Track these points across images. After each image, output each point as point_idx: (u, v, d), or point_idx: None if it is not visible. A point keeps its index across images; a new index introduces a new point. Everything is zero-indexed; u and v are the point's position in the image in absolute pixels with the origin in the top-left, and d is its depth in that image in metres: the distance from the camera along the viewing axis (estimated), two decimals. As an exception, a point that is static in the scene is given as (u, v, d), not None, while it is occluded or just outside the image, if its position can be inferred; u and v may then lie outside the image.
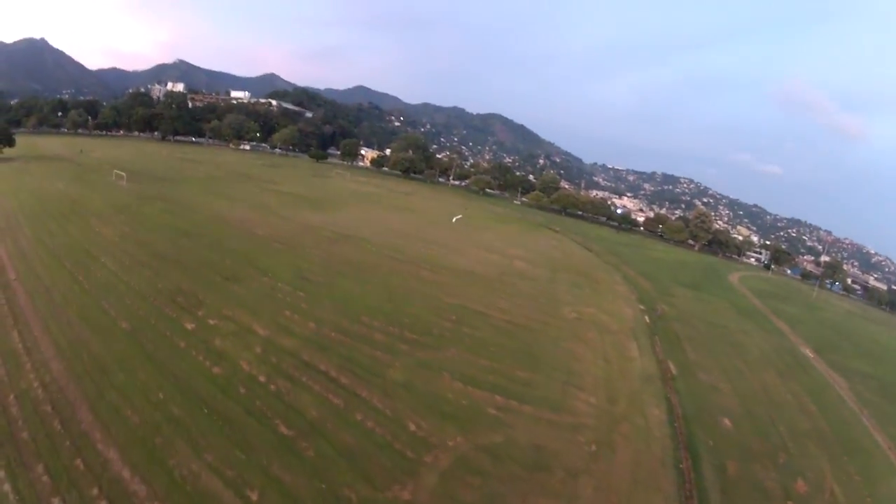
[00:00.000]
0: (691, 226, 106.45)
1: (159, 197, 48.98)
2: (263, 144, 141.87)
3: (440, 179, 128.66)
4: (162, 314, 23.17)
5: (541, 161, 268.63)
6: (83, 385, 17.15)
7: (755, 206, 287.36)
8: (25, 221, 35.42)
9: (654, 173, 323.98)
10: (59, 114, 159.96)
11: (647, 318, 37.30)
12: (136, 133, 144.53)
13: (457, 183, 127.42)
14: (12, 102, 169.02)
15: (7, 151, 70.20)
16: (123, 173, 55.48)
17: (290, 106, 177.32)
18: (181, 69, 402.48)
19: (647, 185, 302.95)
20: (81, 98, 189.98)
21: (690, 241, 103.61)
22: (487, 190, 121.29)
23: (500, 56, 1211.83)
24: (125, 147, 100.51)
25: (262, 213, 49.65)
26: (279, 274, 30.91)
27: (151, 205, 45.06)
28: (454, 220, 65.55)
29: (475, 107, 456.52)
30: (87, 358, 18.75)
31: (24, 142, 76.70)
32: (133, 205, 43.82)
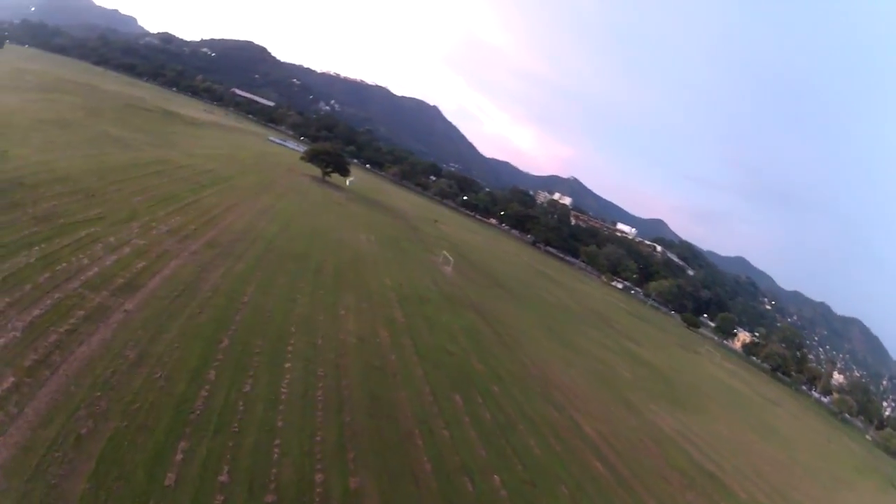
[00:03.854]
0: None
1: (477, 306, 57.08)
2: (637, 289, 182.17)
3: (803, 387, 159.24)
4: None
5: (884, 383, 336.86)
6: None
7: None
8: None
9: None
10: (431, 177, 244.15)
11: None
12: (506, 227, 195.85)
13: (819, 397, 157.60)
14: (382, 147, 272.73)
15: (338, 180, 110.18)
16: (451, 259, 68.04)
17: (674, 257, 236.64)
18: (572, 186, 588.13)
19: None
20: (461, 174, 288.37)
21: None
22: (846, 416, 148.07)
23: (872, 255, 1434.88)
24: (483, 235, 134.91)
25: (602, 386, 53.67)
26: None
27: (459, 311, 52.29)
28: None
29: (839, 304, 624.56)
30: None
31: (369, 182, 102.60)
32: (435, 299, 51.65)
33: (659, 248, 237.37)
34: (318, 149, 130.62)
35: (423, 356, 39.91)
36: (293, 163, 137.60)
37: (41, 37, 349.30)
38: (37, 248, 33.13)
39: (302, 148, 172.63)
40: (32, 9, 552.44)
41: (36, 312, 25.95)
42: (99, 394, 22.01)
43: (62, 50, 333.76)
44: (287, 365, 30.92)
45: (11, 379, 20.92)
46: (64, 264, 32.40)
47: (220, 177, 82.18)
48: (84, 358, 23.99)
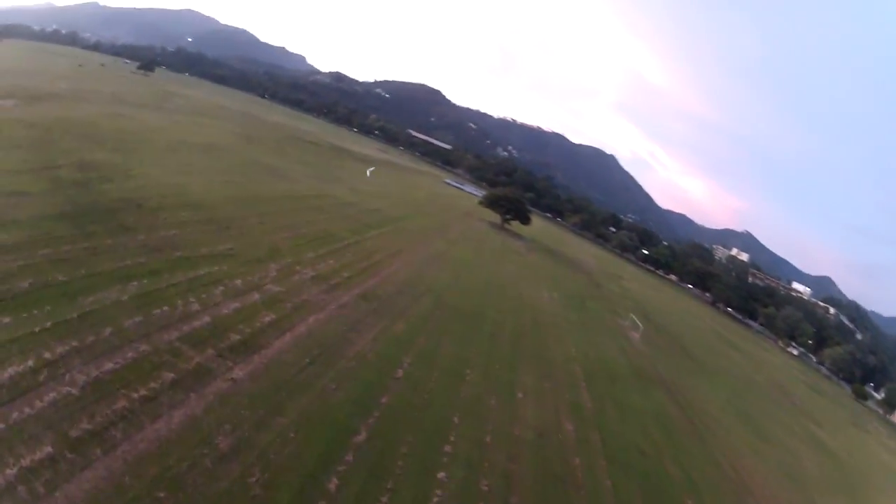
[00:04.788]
0: None
1: (668, 383, 60.49)
2: (810, 355, 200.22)
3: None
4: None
5: None
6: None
7: None
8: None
9: None
10: (611, 228, 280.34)
11: None
12: (685, 284, 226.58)
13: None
14: (561, 194, 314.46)
15: (518, 228, 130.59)
16: (640, 324, 75.15)
17: (845, 320, 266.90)
18: (745, 241, 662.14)
19: None
20: (640, 225, 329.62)
21: None
22: None
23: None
24: (664, 293, 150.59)
25: (791, 486, 52.81)
26: None
27: (650, 390, 54.96)
28: None
29: None
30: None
31: (549, 231, 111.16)
32: (624, 375, 55.35)
33: (832, 310, 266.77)
34: (498, 194, 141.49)
35: (611, 458, 37.39)
36: (470, 207, 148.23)
37: (200, 66, 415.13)
38: (135, 283, 31.57)
39: (479, 192, 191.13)
40: (189, 39, 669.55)
41: (107, 366, 23.69)
42: (162, 495, 18.44)
43: (223, 80, 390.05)
44: (440, 475, 26.51)
45: (49, 449, 18.45)
46: (165, 308, 30.27)
47: (388, 217, 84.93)
48: (155, 439, 20.94)
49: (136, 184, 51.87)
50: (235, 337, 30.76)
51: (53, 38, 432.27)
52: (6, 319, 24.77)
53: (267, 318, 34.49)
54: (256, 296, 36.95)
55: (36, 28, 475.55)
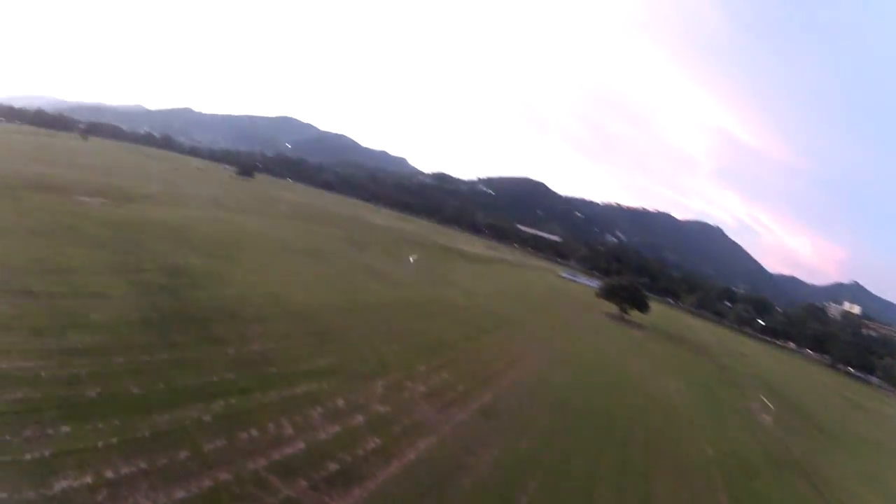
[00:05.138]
0: None
1: (806, 469, 59.27)
2: None
3: None
4: None
5: None
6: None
7: None
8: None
9: None
10: (726, 302, 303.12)
11: None
12: (803, 349, 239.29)
13: None
14: (674, 275, 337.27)
15: (637, 317, 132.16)
16: (770, 405, 76.49)
17: None
18: (854, 292, 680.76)
19: None
20: (754, 296, 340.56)
21: None
22: None
23: None
24: (785, 362, 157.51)
25: None
26: None
27: (789, 480, 53.74)
28: None
29: None
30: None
31: (666, 314, 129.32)
32: (760, 466, 54.50)
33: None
34: (614, 283, 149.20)
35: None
36: (587, 299, 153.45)
37: (302, 172, 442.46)
38: (221, 401, 29.24)
39: (594, 282, 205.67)
40: (289, 145, 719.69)
41: (179, 494, 21.63)
42: None
43: (327, 186, 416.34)
44: None
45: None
46: (253, 431, 27.76)
47: (505, 319, 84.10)
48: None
49: (230, 291, 51.18)
50: (333, 466, 27.73)
51: (146, 140, 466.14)
52: (66, 428, 23.57)
53: (371, 444, 31.33)
54: (360, 418, 33.64)
55: (126, 129, 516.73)
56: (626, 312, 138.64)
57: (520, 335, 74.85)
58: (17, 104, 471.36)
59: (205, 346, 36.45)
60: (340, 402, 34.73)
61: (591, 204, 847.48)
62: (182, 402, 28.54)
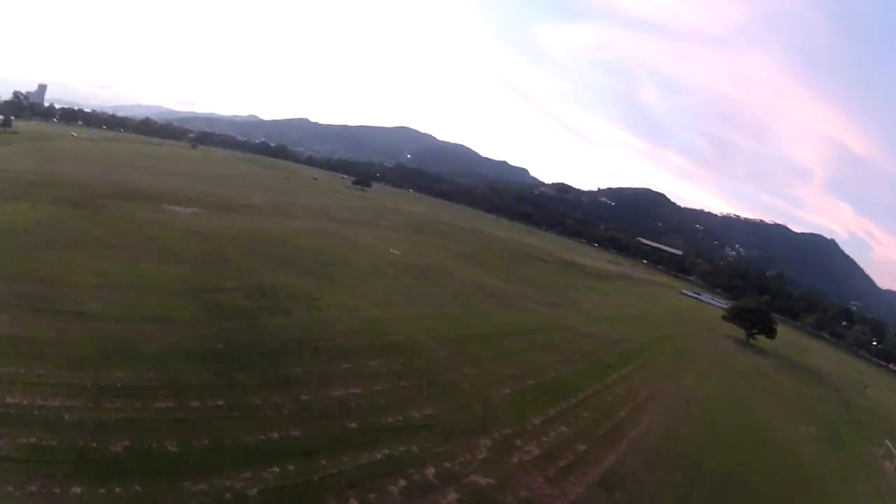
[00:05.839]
0: None
1: None
2: None
3: None
4: None
5: None
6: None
7: None
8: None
9: None
10: (843, 323, 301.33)
11: None
12: None
13: None
14: (792, 292, 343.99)
15: (763, 343, 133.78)
16: (894, 451, 72.11)
17: None
18: None
19: None
20: (868, 315, 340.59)
21: None
22: None
23: None
24: None
25: None
26: None
27: None
28: None
29: None
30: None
31: (790, 337, 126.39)
32: None
33: None
34: (742, 307, 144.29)
35: None
36: (710, 321, 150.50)
37: (421, 182, 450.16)
38: (276, 467, 24.71)
39: (716, 301, 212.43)
40: (409, 156, 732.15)
41: None
42: None
43: (447, 196, 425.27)
44: None
45: None
46: None
47: (630, 349, 78.53)
48: None
49: (319, 317, 47.34)
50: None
51: (260, 149, 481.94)
52: (76, 489, 20.33)
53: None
54: (453, 495, 27.69)
55: (241, 139, 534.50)
56: (752, 337, 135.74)
57: (646, 371, 68.85)
58: (123, 114, 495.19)
59: (272, 390, 32.20)
60: (430, 472, 29.11)
61: (709, 216, 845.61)
62: (226, 466, 24.24)
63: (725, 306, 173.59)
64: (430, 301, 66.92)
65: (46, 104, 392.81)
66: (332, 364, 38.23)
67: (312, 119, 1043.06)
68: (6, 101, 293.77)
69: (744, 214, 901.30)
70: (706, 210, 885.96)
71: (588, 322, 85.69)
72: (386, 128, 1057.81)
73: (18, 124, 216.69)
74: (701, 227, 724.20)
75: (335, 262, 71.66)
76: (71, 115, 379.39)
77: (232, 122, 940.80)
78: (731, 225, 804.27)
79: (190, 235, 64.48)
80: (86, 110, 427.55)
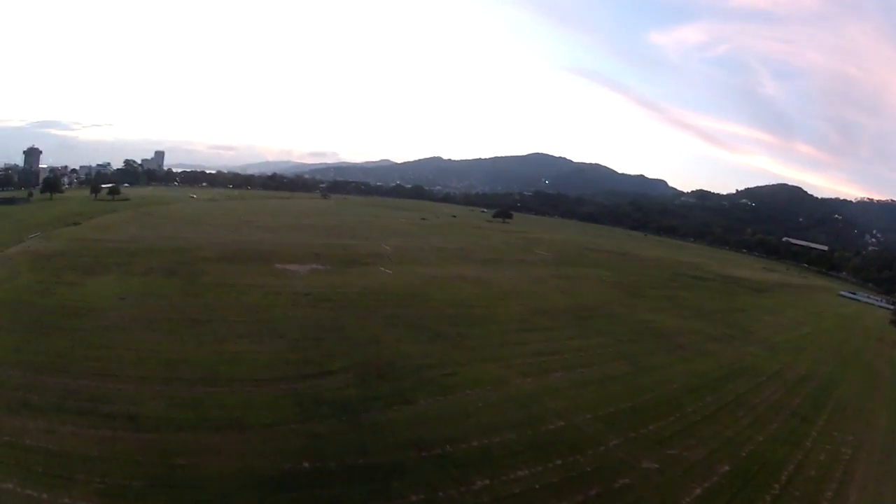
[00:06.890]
0: None
1: None
2: None
3: None
4: None
5: None
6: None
7: None
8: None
9: None
10: None
11: None
12: None
13: None
14: None
15: None
16: None
17: None
18: None
19: None
20: None
21: None
22: None
23: None
24: None
25: None
26: None
27: None
28: None
29: None
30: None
31: None
32: None
33: None
34: None
35: None
36: (875, 325, 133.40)
37: (563, 206, 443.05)
38: None
39: (875, 300, 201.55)
40: (546, 181, 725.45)
41: None
42: None
43: (591, 218, 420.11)
44: None
45: None
46: None
47: (820, 387, 65.50)
48: None
49: (450, 404, 37.64)
50: None
51: (395, 192, 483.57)
52: None
53: None
54: None
55: (375, 184, 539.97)
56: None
57: (842, 417, 55.77)
58: (251, 171, 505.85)
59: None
60: None
61: (845, 203, 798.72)
62: None
63: (887, 306, 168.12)
64: (592, 358, 55.43)
65: (165, 168, 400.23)
66: (462, 482, 28.01)
67: (445, 156, 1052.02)
68: (118, 170, 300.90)
69: (877, 197, 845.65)
70: (841, 198, 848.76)
71: (769, 357, 73.23)
72: (519, 156, 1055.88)
73: (132, 191, 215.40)
74: (840, 217, 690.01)
75: (474, 318, 61.92)
76: (193, 178, 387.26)
77: (364, 168, 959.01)
78: (867, 209, 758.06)
79: (299, 300, 57.40)
80: (208, 171, 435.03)
